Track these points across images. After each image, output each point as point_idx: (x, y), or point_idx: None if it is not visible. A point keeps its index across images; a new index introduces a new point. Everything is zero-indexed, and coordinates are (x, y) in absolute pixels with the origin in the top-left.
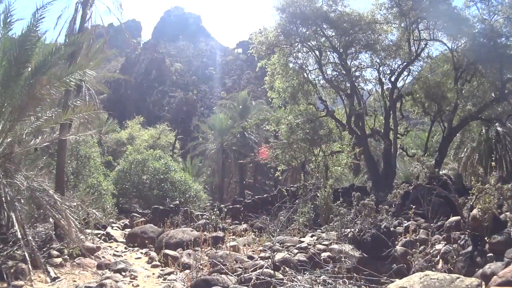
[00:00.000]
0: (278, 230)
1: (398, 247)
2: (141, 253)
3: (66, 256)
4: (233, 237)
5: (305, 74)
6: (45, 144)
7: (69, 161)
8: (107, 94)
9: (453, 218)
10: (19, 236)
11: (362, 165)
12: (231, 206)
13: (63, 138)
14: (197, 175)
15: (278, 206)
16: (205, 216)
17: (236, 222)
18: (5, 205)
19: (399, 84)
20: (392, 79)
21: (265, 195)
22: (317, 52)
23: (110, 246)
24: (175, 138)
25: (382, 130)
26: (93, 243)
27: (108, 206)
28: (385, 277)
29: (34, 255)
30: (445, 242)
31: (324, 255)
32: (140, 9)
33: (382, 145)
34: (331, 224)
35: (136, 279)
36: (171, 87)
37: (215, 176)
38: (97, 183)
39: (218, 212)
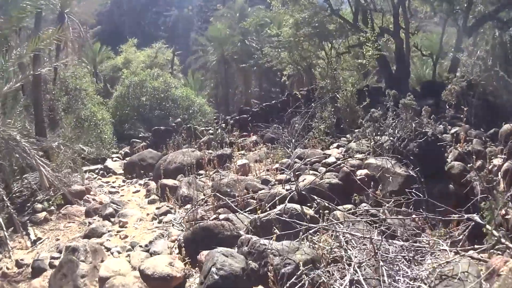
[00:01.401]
0: (293, 140)
1: (454, 162)
2: (140, 184)
3: (52, 208)
4: (242, 152)
5: None
6: (17, 85)
7: (58, 98)
8: (100, 26)
9: (507, 126)
10: None
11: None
12: (237, 117)
13: (36, 74)
14: (200, 89)
15: (291, 112)
16: (210, 130)
17: (245, 134)
18: None
19: None
20: None
21: (273, 102)
22: None
23: (107, 182)
24: (173, 55)
25: (392, 29)
26: (84, 183)
27: (105, 137)
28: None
29: (12, 219)
30: (505, 156)
31: (360, 173)
32: None
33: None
34: (361, 130)
35: (126, 227)
36: (165, 7)
37: (218, 88)
38: (91, 114)
39: (223, 125)
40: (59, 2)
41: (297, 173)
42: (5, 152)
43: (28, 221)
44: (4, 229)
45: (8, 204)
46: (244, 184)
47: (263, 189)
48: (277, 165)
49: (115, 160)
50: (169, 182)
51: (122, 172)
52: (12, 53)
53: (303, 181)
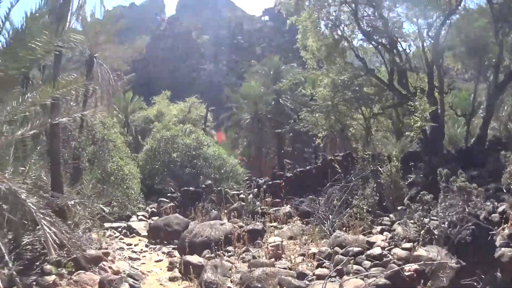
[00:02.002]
0: (331, 216)
1: (504, 249)
2: (163, 253)
3: (63, 271)
4: (275, 224)
5: (339, 30)
6: (31, 133)
7: (83, 147)
8: (134, 74)
9: None
10: None
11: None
12: (270, 182)
13: (54, 122)
14: (233, 148)
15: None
16: (242, 195)
17: (277, 201)
18: None
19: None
20: (430, 33)
21: (308, 167)
22: (353, 5)
23: (129, 244)
24: (206, 110)
25: (426, 88)
26: (101, 245)
27: (132, 192)
28: None
29: (13, 280)
30: None
31: (409, 268)
32: None
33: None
34: (407, 212)
35: None
36: (200, 60)
37: (251, 147)
38: (118, 168)
39: (255, 190)
40: (87, 46)
41: (338, 266)
42: (13, 205)
43: (33, 284)
44: None
45: (9, 263)
46: (277, 280)
47: (300, 287)
48: (314, 249)
49: (140, 219)
50: (194, 259)
51: (146, 234)
52: (26, 96)
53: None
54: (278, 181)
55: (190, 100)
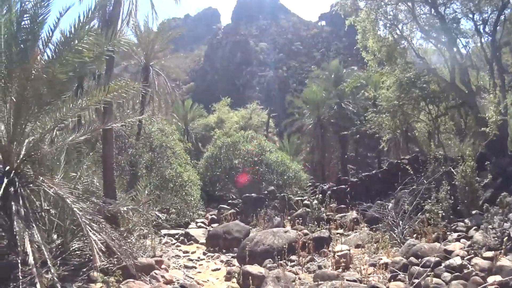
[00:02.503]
0: (401, 223)
1: None
2: (221, 261)
3: (111, 279)
4: (341, 231)
5: (397, 30)
6: (82, 138)
7: (141, 154)
8: (193, 83)
9: None
10: (31, 261)
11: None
12: (335, 188)
13: (107, 128)
14: (296, 153)
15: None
16: (306, 201)
17: (342, 207)
18: (15, 224)
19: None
20: (487, 29)
21: (373, 172)
22: (409, 3)
23: (186, 252)
24: (268, 116)
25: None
26: (155, 253)
27: (191, 199)
28: None
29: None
30: None
31: (493, 280)
32: None
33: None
34: (484, 216)
35: None
36: (260, 67)
37: (314, 153)
38: (176, 175)
39: (320, 195)
40: (143, 55)
41: (415, 279)
42: (62, 210)
43: None
44: None
45: (52, 268)
46: None
47: None
48: (385, 259)
49: (199, 226)
50: (254, 270)
51: (204, 241)
52: (76, 102)
53: None
54: (343, 186)
55: (251, 106)
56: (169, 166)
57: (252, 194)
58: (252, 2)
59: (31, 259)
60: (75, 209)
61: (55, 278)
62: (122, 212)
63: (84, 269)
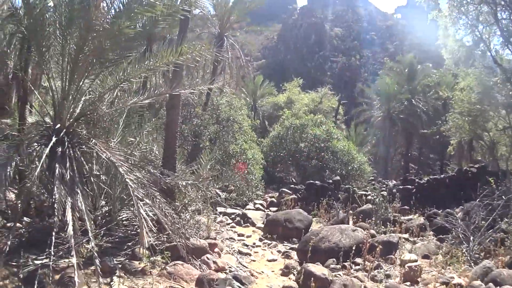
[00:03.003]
0: (472, 238)
1: None
2: (279, 252)
3: (157, 258)
4: (406, 236)
5: (477, 31)
6: (146, 102)
7: (206, 125)
8: (265, 60)
9: None
10: (70, 232)
11: None
12: (401, 187)
13: (174, 93)
14: (361, 144)
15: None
16: (369, 196)
17: (406, 207)
18: (55, 190)
19: None
20: None
21: (441, 176)
22: (492, 5)
23: (241, 235)
24: (338, 103)
25: None
26: (209, 234)
27: (253, 178)
28: None
29: (93, 259)
30: None
31: None
32: None
33: None
34: None
35: None
36: (332, 52)
37: (379, 146)
38: (241, 151)
39: (385, 193)
40: (217, 23)
41: None
42: (114, 177)
43: (118, 266)
44: (76, 271)
45: (92, 241)
46: None
47: None
48: (457, 278)
49: (257, 208)
50: (318, 271)
51: (262, 226)
52: (143, 62)
53: None
54: (410, 186)
55: (323, 90)
56: (234, 141)
57: (316, 182)
58: None
59: (70, 229)
60: (127, 180)
61: (94, 252)
62: (180, 186)
63: (130, 243)
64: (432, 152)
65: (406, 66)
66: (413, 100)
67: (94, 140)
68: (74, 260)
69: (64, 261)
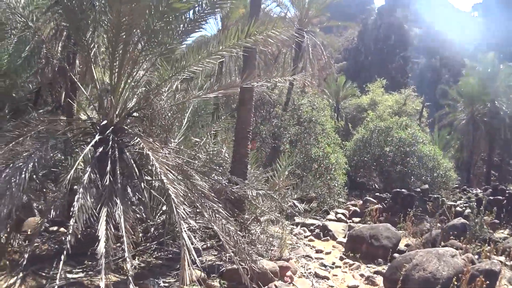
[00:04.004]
0: None
1: None
2: (361, 275)
3: (215, 284)
4: (501, 258)
5: None
6: (212, 96)
7: (286, 126)
8: (346, 62)
9: None
10: (101, 249)
11: None
12: (491, 197)
13: (245, 86)
14: (444, 149)
15: None
16: (459, 207)
17: (495, 221)
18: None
19: None
20: None
21: None
22: None
23: (319, 251)
24: (422, 105)
25: None
26: (282, 253)
27: (335, 185)
28: None
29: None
30: None
31: None
32: None
33: None
34: None
35: None
36: (413, 53)
37: (463, 152)
38: (323, 155)
39: (474, 204)
40: (296, 18)
41: None
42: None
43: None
44: None
45: (129, 262)
46: None
47: None
48: None
49: (339, 219)
50: None
51: (343, 240)
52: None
53: None
54: (500, 197)
55: (406, 91)
56: (316, 144)
57: (403, 190)
58: None
59: (101, 246)
60: (171, 193)
61: (128, 275)
62: (249, 197)
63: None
64: None
65: (488, 65)
66: (495, 101)
67: (138, 139)
68: (102, 283)
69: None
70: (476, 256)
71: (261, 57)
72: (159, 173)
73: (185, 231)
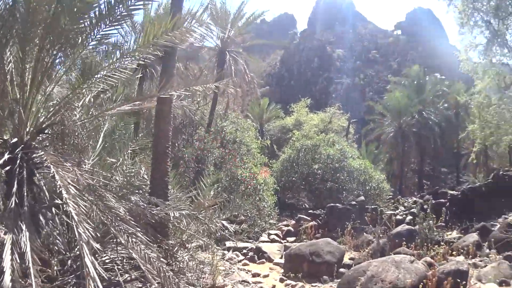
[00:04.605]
0: None
1: None
2: None
3: None
4: (460, 258)
5: (493, 26)
6: (126, 109)
7: (210, 149)
8: (269, 87)
9: None
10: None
11: None
12: (433, 202)
13: (164, 96)
14: (373, 163)
15: None
16: (399, 216)
17: (441, 224)
18: None
19: None
20: None
21: (477, 184)
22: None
23: (256, 275)
24: (348, 122)
25: None
26: (215, 280)
27: (265, 205)
28: None
29: None
30: None
31: None
32: (291, 2)
33: None
34: None
35: None
36: (337, 74)
37: (393, 164)
38: (249, 176)
39: (415, 210)
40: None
41: None
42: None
43: None
44: None
45: None
46: None
47: None
48: None
49: (273, 240)
50: None
51: (281, 261)
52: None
53: None
54: (442, 200)
55: (331, 110)
56: (242, 165)
57: (337, 205)
58: (328, 9)
59: (6, 279)
60: (70, 209)
61: None
62: (172, 218)
63: None
64: (444, 166)
65: (414, 78)
66: (423, 112)
67: (45, 157)
68: None
69: None
70: (461, 262)
71: (182, 77)
72: (58, 186)
73: (87, 255)
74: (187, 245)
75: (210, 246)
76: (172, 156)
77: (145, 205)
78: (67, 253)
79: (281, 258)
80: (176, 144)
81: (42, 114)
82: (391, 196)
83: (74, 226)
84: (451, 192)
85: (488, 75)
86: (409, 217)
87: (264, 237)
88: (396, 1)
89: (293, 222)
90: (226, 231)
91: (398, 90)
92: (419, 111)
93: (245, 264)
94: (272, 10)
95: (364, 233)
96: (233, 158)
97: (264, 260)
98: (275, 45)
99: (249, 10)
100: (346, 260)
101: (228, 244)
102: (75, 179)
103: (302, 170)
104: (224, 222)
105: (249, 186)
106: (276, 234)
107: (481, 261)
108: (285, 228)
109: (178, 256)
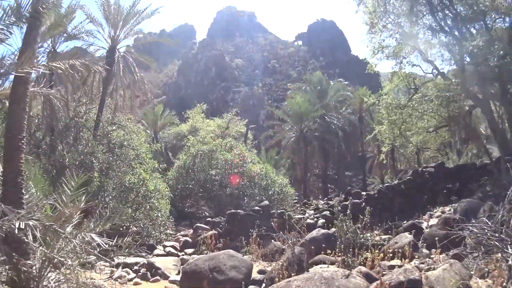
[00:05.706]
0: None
1: None
2: None
3: None
4: (396, 262)
5: (404, 28)
6: None
7: (95, 154)
8: (166, 97)
9: None
10: None
11: None
12: (345, 202)
13: (19, 75)
14: (274, 168)
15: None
16: (310, 219)
17: (358, 226)
18: None
19: None
20: None
21: (396, 182)
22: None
23: None
24: (246, 128)
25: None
26: None
27: (158, 215)
28: None
29: None
30: None
31: None
32: (192, 13)
33: None
34: None
35: None
36: (234, 83)
37: (296, 169)
38: (139, 182)
39: (327, 212)
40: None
41: None
42: None
43: None
44: None
45: None
46: None
47: None
48: None
49: (169, 253)
50: None
51: (177, 279)
52: None
53: None
54: (358, 201)
55: (228, 115)
56: (130, 171)
57: (239, 211)
58: (229, 20)
59: None
60: None
61: None
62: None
63: None
64: (348, 170)
65: (316, 84)
66: (325, 117)
67: None
68: None
69: None
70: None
71: (69, 79)
72: None
73: None
74: (59, 264)
75: (91, 264)
76: (52, 162)
77: None
78: None
79: (177, 274)
80: (58, 148)
81: None
82: (296, 200)
83: None
84: (366, 192)
85: (397, 76)
86: (322, 221)
87: (159, 249)
88: (298, 13)
89: (191, 231)
90: (104, 246)
91: (299, 96)
92: (321, 116)
93: (136, 284)
94: (173, 21)
95: (272, 241)
96: (121, 163)
97: (158, 277)
98: (172, 52)
99: (146, 10)
100: (255, 273)
101: (118, 260)
102: None
103: (199, 177)
104: (94, 235)
105: (139, 194)
106: (172, 246)
107: (422, 263)
108: (183, 239)
109: (48, 277)
